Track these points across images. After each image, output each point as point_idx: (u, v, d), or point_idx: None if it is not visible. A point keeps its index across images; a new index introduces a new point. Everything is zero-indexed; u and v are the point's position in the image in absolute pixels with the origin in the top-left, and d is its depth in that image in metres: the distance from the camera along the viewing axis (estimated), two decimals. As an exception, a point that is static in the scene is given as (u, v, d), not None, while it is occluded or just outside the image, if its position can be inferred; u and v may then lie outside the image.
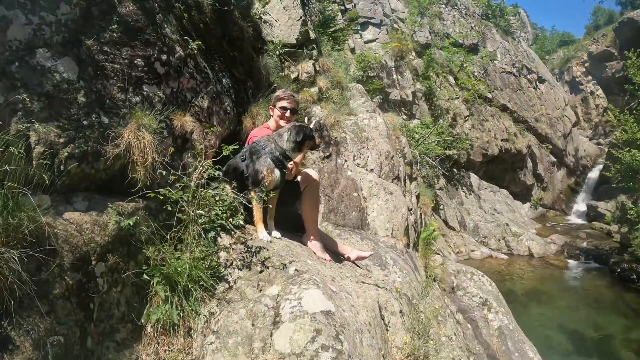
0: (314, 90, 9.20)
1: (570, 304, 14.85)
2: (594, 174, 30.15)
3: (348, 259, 5.59)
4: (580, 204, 28.20)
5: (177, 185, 4.14)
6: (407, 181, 10.04)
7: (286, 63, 9.25)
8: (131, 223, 3.69)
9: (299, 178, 5.22)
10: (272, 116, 5.55)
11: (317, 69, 9.67)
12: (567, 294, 15.79)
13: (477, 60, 24.23)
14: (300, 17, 9.72)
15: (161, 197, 3.82)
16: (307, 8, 10.70)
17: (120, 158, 3.91)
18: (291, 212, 5.39)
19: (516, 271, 17.43)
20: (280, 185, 4.72)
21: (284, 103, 5.46)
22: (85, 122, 3.73)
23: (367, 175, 8.30)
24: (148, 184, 4.02)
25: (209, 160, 4.31)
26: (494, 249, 19.14)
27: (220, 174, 4.37)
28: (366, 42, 19.53)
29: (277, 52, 8.88)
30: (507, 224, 20.32)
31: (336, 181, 7.87)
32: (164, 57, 4.63)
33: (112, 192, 3.99)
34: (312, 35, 10.09)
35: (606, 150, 30.88)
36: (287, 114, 5.42)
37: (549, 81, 30.90)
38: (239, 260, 4.15)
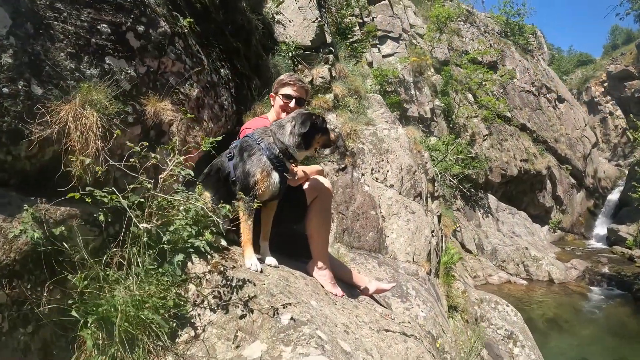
0: (329, 96, 8.27)
1: (593, 334, 13.80)
2: (613, 196, 29.13)
3: (365, 291, 4.38)
4: (600, 227, 27.00)
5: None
6: (429, 200, 8.87)
7: (300, 66, 8.44)
8: (55, 234, 2.56)
9: (305, 186, 4.02)
10: (273, 106, 4.39)
11: (333, 74, 8.81)
12: (589, 323, 14.72)
13: (497, 78, 23.20)
14: (316, 19, 8.90)
15: (88, 200, 2.65)
16: (323, 10, 9.73)
17: (53, 144, 2.80)
18: (293, 230, 4.20)
19: (536, 298, 16.33)
20: (280, 194, 3.54)
21: (288, 90, 4.27)
22: (5, 90, 2.63)
23: (386, 192, 7.19)
24: (88, 181, 2.85)
25: (181, 158, 3.15)
26: (512, 274, 18.05)
27: (192, 174, 3.22)
28: (384, 56, 18.54)
29: (290, 54, 7.96)
30: (527, 248, 19.11)
31: (351, 197, 6.75)
32: (140, 28, 3.63)
33: (46, 192, 2.82)
34: (329, 38, 9.25)
35: (626, 172, 30.23)
36: (292, 104, 4.22)
37: (568, 101, 30.01)
38: (214, 298, 2.91)
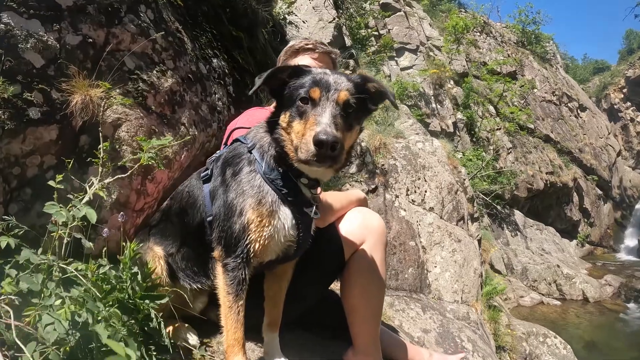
0: None
1: (635, 357, 12.53)
2: None
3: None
4: (630, 239, 26.27)
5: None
6: (469, 222, 7.44)
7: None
8: None
9: (341, 227, 2.58)
10: None
11: None
12: (630, 344, 13.41)
13: (517, 89, 22.21)
14: (334, 19, 7.61)
15: None
16: (340, 11, 8.48)
17: None
18: (312, 288, 2.67)
19: (572, 319, 14.95)
20: (298, 250, 2.11)
21: (305, 59, 2.84)
22: None
23: (425, 216, 5.81)
24: None
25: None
26: (544, 294, 16.66)
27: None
28: (402, 69, 17.47)
29: None
30: (558, 266, 18.00)
31: (386, 225, 5.28)
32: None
33: None
34: (348, 42, 7.94)
35: None
36: None
37: (590, 109, 29.40)
38: None
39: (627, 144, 38.08)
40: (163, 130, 2.76)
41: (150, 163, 2.10)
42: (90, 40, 2.36)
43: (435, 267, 5.56)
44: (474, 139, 18.81)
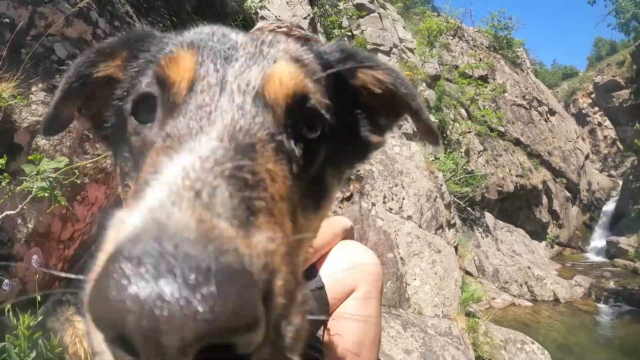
0: None
1: (608, 357, 12.58)
2: (609, 208, 28.63)
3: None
4: (598, 240, 26.39)
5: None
6: (447, 229, 7.08)
7: None
8: None
9: (323, 274, 2.02)
10: None
11: None
12: (602, 344, 13.50)
13: (488, 92, 22.35)
14: (308, 15, 7.20)
15: None
16: (315, 8, 8.09)
17: None
18: None
19: (543, 320, 14.82)
20: None
21: None
22: None
23: (403, 226, 5.42)
24: None
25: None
26: (516, 296, 16.53)
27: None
28: (375, 71, 17.04)
29: None
30: (529, 267, 18.04)
31: (362, 236, 4.94)
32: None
33: None
34: (322, 39, 7.49)
35: (619, 182, 30.35)
36: None
37: (559, 113, 29.76)
38: None
39: (594, 147, 38.59)
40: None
41: (42, 195, 1.53)
42: (7, 20, 1.84)
43: (414, 279, 5.17)
44: (446, 142, 18.68)
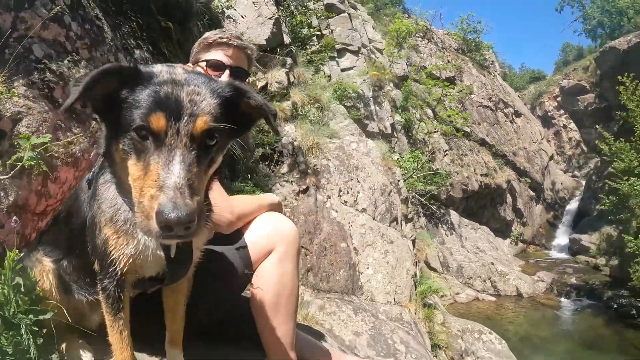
0: (287, 105, 6.76)
1: (569, 348, 13.08)
2: (572, 207, 29.12)
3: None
4: (561, 238, 26.92)
5: None
6: (403, 223, 7.35)
7: (252, 68, 6.78)
8: None
9: (249, 234, 2.33)
10: None
11: (292, 80, 7.34)
12: (564, 337, 14.13)
13: (455, 93, 22.69)
14: (273, 15, 7.42)
15: None
16: (281, 8, 8.27)
17: None
18: (220, 299, 2.36)
19: (506, 314, 15.41)
20: (177, 269, 1.70)
21: (216, 54, 2.54)
22: None
23: (358, 217, 5.66)
24: None
25: None
26: (480, 291, 17.04)
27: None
28: (343, 70, 17.29)
29: None
30: (492, 263, 18.47)
31: (316, 226, 5.17)
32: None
33: None
34: (287, 39, 7.80)
35: (582, 182, 30.81)
36: (224, 76, 2.48)
37: (525, 115, 30.09)
38: None
39: (559, 149, 39.31)
40: (71, 125, 2.47)
41: (30, 165, 1.81)
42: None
43: (367, 268, 5.42)
44: (411, 141, 18.96)
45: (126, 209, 1.50)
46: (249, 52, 2.66)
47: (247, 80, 2.68)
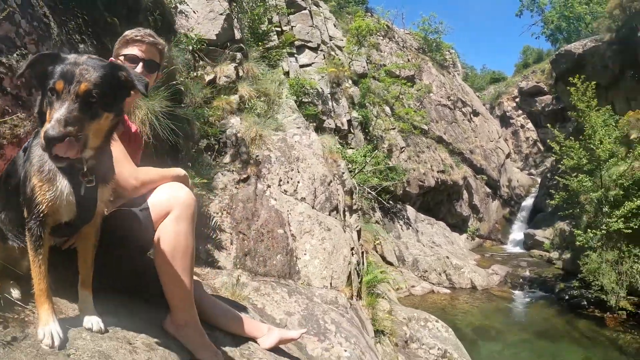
0: (234, 98, 6.91)
1: (522, 338, 13.37)
2: (527, 203, 29.59)
3: (264, 344, 3.07)
4: (517, 233, 27.31)
5: None
6: (347, 214, 7.63)
7: (201, 62, 7.07)
8: None
9: (150, 197, 2.64)
10: None
11: (240, 74, 7.52)
12: (517, 327, 14.38)
13: (414, 92, 23.00)
14: (225, 11, 7.57)
15: None
16: (234, 4, 8.42)
17: None
18: (140, 260, 2.78)
19: (461, 306, 15.86)
20: (86, 213, 2.16)
21: (132, 49, 2.86)
22: None
23: (296, 206, 5.90)
24: None
25: None
26: (435, 284, 17.35)
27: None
28: (301, 66, 17.43)
29: (191, 47, 6.71)
30: (447, 257, 18.73)
31: (254, 213, 5.40)
32: None
33: None
34: (238, 34, 7.99)
35: (538, 180, 31.23)
36: (138, 69, 2.81)
37: (482, 114, 30.34)
38: None
39: (517, 147, 40.10)
40: (17, 110, 2.82)
41: None
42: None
43: (304, 254, 5.66)
44: (368, 137, 19.11)
45: (48, 166, 1.99)
46: (159, 47, 2.99)
47: (159, 68, 3.01)
